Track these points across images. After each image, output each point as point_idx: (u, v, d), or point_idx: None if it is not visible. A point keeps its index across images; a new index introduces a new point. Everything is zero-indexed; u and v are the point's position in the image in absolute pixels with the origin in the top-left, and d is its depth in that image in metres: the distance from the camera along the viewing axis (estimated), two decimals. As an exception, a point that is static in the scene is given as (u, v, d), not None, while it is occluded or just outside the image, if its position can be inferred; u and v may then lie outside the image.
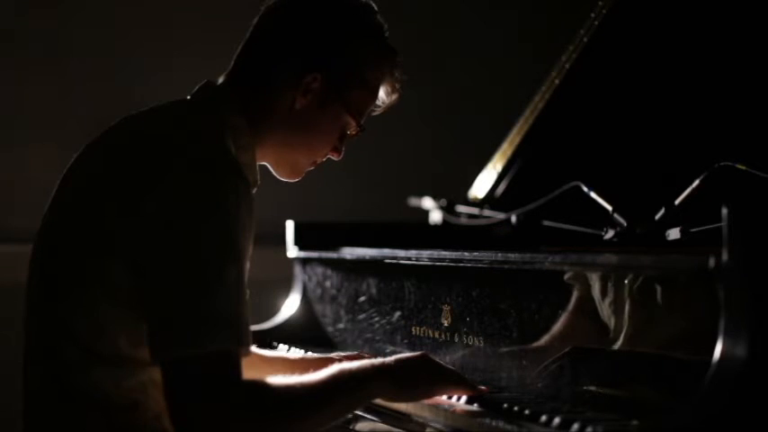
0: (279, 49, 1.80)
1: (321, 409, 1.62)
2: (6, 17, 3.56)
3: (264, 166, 1.89)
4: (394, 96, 1.91)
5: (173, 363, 1.52)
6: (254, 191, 1.82)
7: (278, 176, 1.91)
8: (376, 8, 1.87)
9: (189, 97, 1.80)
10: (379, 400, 1.84)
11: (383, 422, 1.91)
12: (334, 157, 1.90)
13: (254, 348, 2.01)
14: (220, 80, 1.82)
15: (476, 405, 1.75)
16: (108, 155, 1.69)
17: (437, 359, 1.88)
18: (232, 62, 1.84)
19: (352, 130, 1.87)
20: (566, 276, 1.75)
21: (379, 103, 1.91)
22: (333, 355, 2.06)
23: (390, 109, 1.93)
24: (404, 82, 1.90)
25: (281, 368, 1.97)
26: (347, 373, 1.66)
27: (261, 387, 1.56)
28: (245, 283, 1.60)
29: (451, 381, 1.81)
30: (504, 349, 1.89)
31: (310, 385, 1.61)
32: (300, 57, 1.79)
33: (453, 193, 2.99)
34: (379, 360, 1.74)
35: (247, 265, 1.63)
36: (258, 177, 1.83)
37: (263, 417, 1.54)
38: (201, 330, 1.52)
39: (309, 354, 2.10)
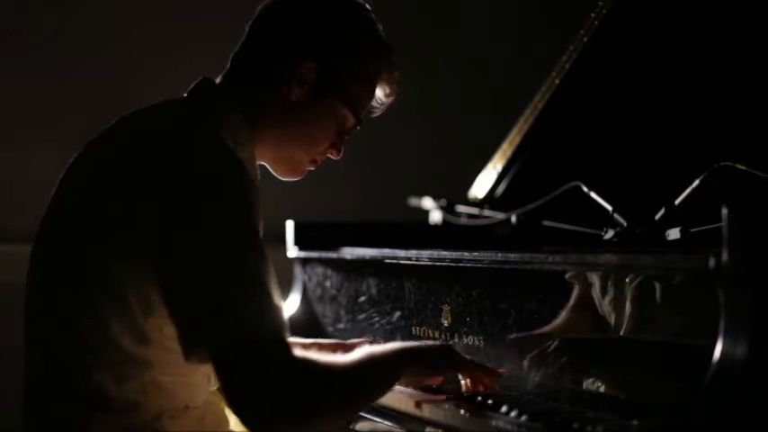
0: (273, 43, 1.81)
1: (362, 388, 1.64)
2: (6, 17, 3.56)
3: (265, 166, 1.89)
4: (392, 96, 1.91)
5: (224, 352, 1.51)
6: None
7: (278, 176, 1.90)
8: (370, 8, 1.87)
9: (185, 95, 1.81)
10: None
11: (383, 422, 1.91)
12: (334, 156, 1.90)
13: None
14: (218, 80, 1.83)
15: (476, 404, 1.75)
16: (107, 154, 1.69)
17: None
18: (229, 62, 1.84)
19: (349, 124, 1.87)
20: (566, 276, 1.75)
21: (377, 102, 1.91)
22: (364, 339, 2.05)
23: (389, 110, 1.93)
24: (401, 82, 1.90)
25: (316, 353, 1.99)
26: (379, 354, 1.68)
27: (315, 366, 1.56)
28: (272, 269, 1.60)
29: (471, 366, 1.84)
30: (504, 349, 1.89)
31: (351, 365, 1.62)
32: (294, 48, 1.79)
33: (453, 193, 2.99)
34: (405, 344, 1.78)
35: None
36: (257, 175, 1.83)
37: (322, 395, 1.55)
38: (248, 316, 1.51)
39: (341, 341, 2.09)
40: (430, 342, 1.82)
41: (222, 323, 1.51)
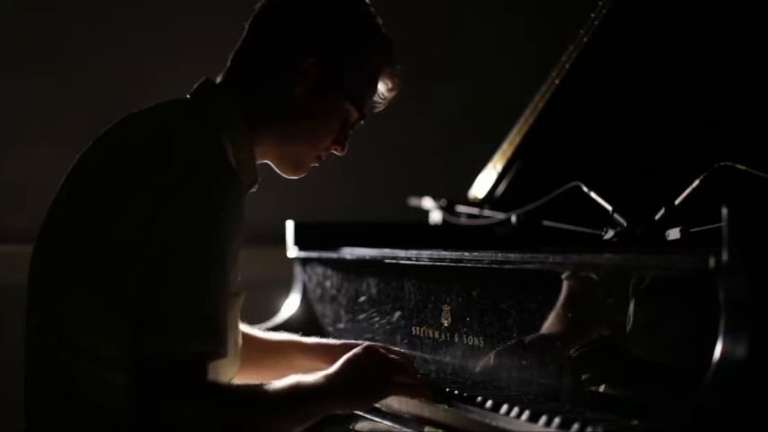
0: (275, 40, 1.80)
1: (277, 418, 1.63)
2: (6, 17, 3.56)
3: (264, 165, 1.88)
4: (394, 90, 1.90)
5: (140, 361, 1.54)
6: (255, 189, 1.82)
7: (282, 173, 1.90)
8: (369, 1, 1.87)
9: (188, 96, 1.80)
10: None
11: (383, 422, 1.91)
12: (338, 152, 1.89)
13: (265, 333, 2.02)
14: (218, 80, 1.82)
15: (476, 404, 1.75)
16: (105, 156, 1.70)
17: (436, 356, 1.88)
18: (229, 62, 1.84)
19: (353, 120, 1.87)
20: (565, 276, 1.75)
21: (379, 97, 1.90)
22: (341, 342, 2.04)
23: (391, 106, 1.93)
24: (402, 76, 1.90)
25: (294, 353, 2.00)
26: (303, 387, 1.67)
27: (223, 390, 1.58)
28: (229, 287, 1.61)
29: (399, 373, 1.80)
30: (504, 349, 1.89)
31: (270, 394, 1.63)
32: (297, 44, 1.79)
33: (453, 193, 2.99)
34: (331, 374, 1.74)
35: (237, 267, 1.64)
36: (257, 175, 1.82)
37: (222, 419, 1.55)
38: (173, 331, 1.53)
39: (324, 339, 2.08)
40: (355, 355, 1.78)
41: (147, 338, 1.53)
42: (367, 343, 1.86)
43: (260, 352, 2.00)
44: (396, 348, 1.95)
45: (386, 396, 1.81)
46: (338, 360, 1.80)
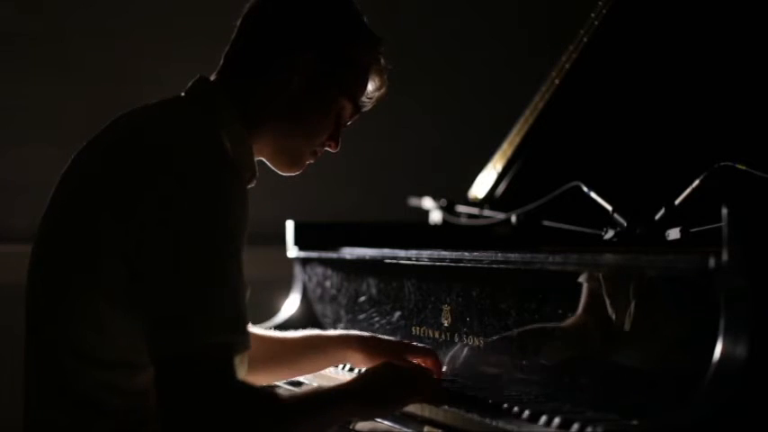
0: (271, 38, 1.80)
1: (300, 421, 1.63)
2: (6, 17, 3.56)
3: (263, 164, 1.88)
4: (381, 88, 1.90)
5: (171, 360, 1.52)
6: (253, 185, 1.82)
7: (278, 170, 1.89)
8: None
9: (183, 94, 1.80)
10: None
11: (383, 422, 1.91)
12: (332, 149, 1.89)
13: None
14: (213, 77, 1.82)
15: (476, 403, 1.75)
16: (102, 155, 1.69)
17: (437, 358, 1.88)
18: (222, 59, 1.83)
19: (347, 115, 1.87)
20: (566, 276, 1.75)
21: (366, 97, 1.90)
22: (337, 332, 2.06)
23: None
24: (390, 73, 1.90)
25: (275, 347, 2.01)
26: (324, 393, 1.70)
27: (252, 389, 1.58)
28: (244, 279, 1.61)
29: (418, 386, 1.82)
30: (505, 349, 1.89)
31: (293, 398, 1.65)
32: (293, 41, 1.79)
33: (453, 193, 3.00)
34: (350, 383, 1.76)
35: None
36: (256, 171, 1.82)
37: (252, 417, 1.55)
38: (202, 329, 1.52)
39: (309, 331, 2.08)
40: (375, 370, 1.81)
41: (172, 336, 1.52)
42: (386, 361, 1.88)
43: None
44: (417, 344, 2.01)
45: (404, 405, 1.82)
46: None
